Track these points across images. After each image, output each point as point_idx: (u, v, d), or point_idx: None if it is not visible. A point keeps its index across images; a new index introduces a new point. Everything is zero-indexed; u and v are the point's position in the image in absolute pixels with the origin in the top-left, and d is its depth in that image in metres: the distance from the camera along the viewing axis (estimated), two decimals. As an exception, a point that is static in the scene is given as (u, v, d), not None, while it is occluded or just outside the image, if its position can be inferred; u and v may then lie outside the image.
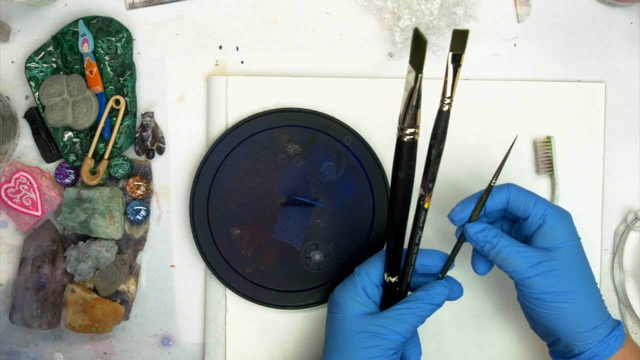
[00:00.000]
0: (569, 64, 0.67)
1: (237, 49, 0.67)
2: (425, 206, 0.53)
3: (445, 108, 0.49)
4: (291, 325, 0.66)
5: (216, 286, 0.65)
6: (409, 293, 0.56)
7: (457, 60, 0.48)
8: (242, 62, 0.67)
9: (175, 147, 0.67)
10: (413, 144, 0.48)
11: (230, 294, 0.65)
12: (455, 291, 0.56)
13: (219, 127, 0.65)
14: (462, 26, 0.65)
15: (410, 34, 0.65)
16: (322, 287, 0.64)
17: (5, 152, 0.64)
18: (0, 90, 0.66)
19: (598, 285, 0.56)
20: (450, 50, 0.48)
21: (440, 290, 0.54)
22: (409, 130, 0.48)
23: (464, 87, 0.66)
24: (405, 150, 0.49)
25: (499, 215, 0.57)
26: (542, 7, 0.67)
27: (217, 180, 0.64)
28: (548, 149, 0.65)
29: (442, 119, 0.50)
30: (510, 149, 0.53)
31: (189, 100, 0.67)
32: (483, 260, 0.57)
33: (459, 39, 0.48)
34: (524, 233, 0.55)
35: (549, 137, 0.65)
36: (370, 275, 0.56)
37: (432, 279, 0.57)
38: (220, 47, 0.67)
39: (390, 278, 0.55)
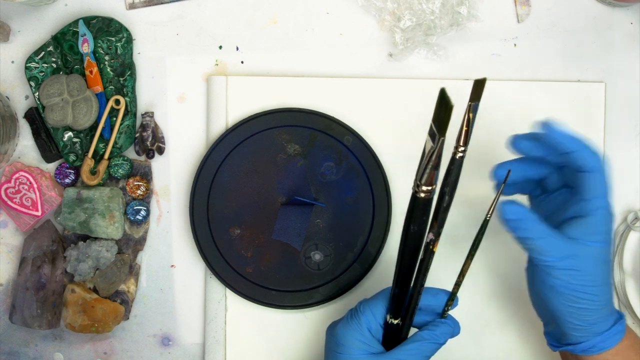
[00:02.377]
0: (569, 64, 0.67)
1: (237, 49, 0.67)
2: (434, 250, 0.52)
3: (459, 155, 0.48)
4: (291, 325, 0.66)
5: (216, 286, 0.65)
6: (411, 331, 0.56)
7: (475, 110, 0.47)
8: (242, 62, 0.67)
9: (175, 147, 0.66)
10: (428, 200, 0.47)
11: (230, 294, 0.65)
12: (455, 330, 0.56)
13: (219, 127, 0.65)
14: (464, 25, 0.65)
15: (411, 35, 0.65)
16: (322, 287, 0.64)
17: (5, 152, 0.64)
18: (0, 90, 0.66)
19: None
20: (470, 100, 0.47)
21: (444, 329, 0.54)
22: (425, 188, 0.47)
23: (463, 88, 0.66)
24: (420, 206, 0.48)
25: (563, 163, 0.54)
26: (542, 7, 0.67)
27: (217, 180, 0.64)
28: (548, 149, 0.65)
29: (455, 166, 0.49)
30: (505, 180, 0.53)
31: (189, 100, 0.66)
32: (529, 141, 0.53)
33: (480, 88, 0.47)
34: (564, 212, 0.53)
35: (549, 137, 0.65)
36: (376, 315, 0.55)
37: (433, 317, 0.56)
38: (220, 47, 0.67)
39: (393, 320, 0.54)
